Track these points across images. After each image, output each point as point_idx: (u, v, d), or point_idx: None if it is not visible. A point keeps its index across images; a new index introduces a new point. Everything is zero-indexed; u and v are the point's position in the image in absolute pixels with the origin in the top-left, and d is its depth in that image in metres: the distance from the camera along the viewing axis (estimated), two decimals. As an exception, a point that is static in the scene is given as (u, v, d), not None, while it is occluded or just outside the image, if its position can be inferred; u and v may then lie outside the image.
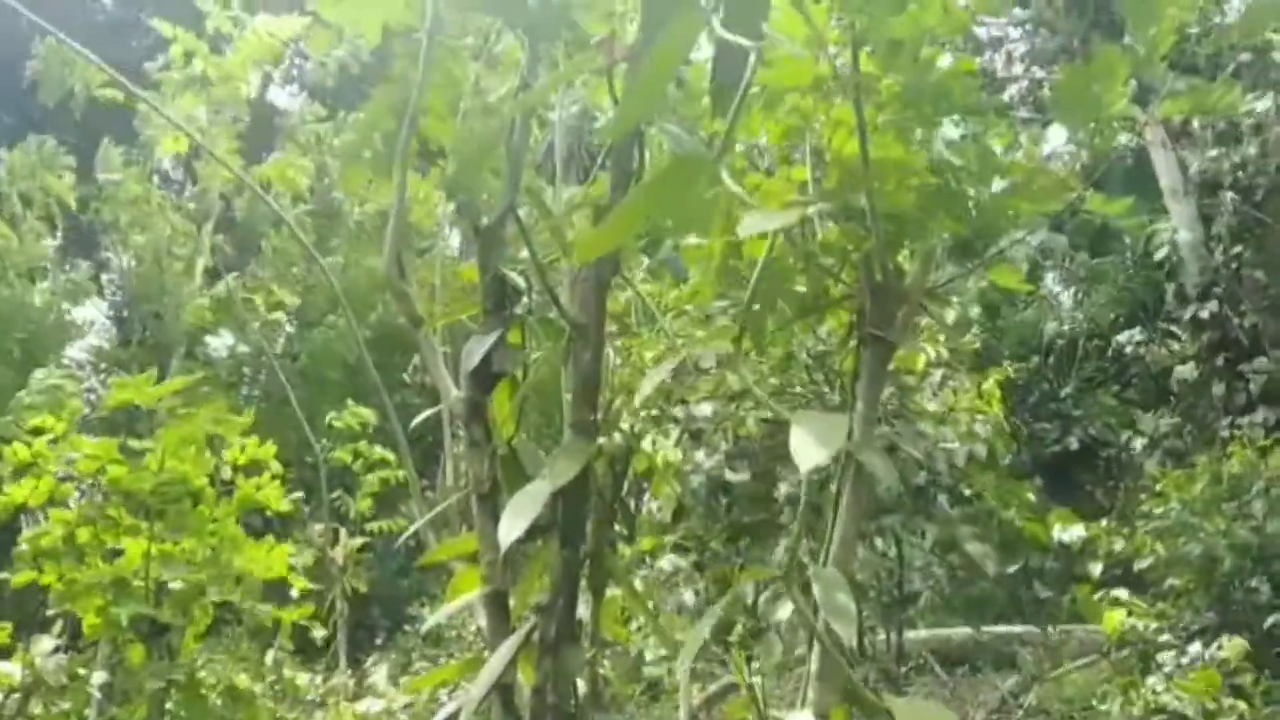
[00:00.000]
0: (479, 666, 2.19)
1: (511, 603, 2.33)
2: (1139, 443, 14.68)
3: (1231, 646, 6.86)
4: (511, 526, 2.05)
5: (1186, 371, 14.10)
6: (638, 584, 7.40)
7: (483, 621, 2.37)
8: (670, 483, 6.66)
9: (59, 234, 15.97)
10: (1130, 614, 7.15)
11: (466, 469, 2.50)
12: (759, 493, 6.38)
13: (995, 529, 5.75)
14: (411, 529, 3.29)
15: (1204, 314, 13.52)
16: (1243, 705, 6.47)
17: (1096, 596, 8.06)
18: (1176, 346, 14.79)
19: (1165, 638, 7.69)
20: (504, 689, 2.19)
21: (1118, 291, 16.05)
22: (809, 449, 1.96)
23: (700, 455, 6.73)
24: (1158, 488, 9.72)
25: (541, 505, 2.07)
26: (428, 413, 3.19)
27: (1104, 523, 7.48)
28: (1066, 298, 16.43)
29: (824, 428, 2.03)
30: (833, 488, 6.02)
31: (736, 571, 6.25)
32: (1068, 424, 15.68)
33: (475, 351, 2.42)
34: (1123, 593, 7.24)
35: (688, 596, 6.46)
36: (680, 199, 1.85)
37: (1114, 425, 15.35)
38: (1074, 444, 15.52)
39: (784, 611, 5.93)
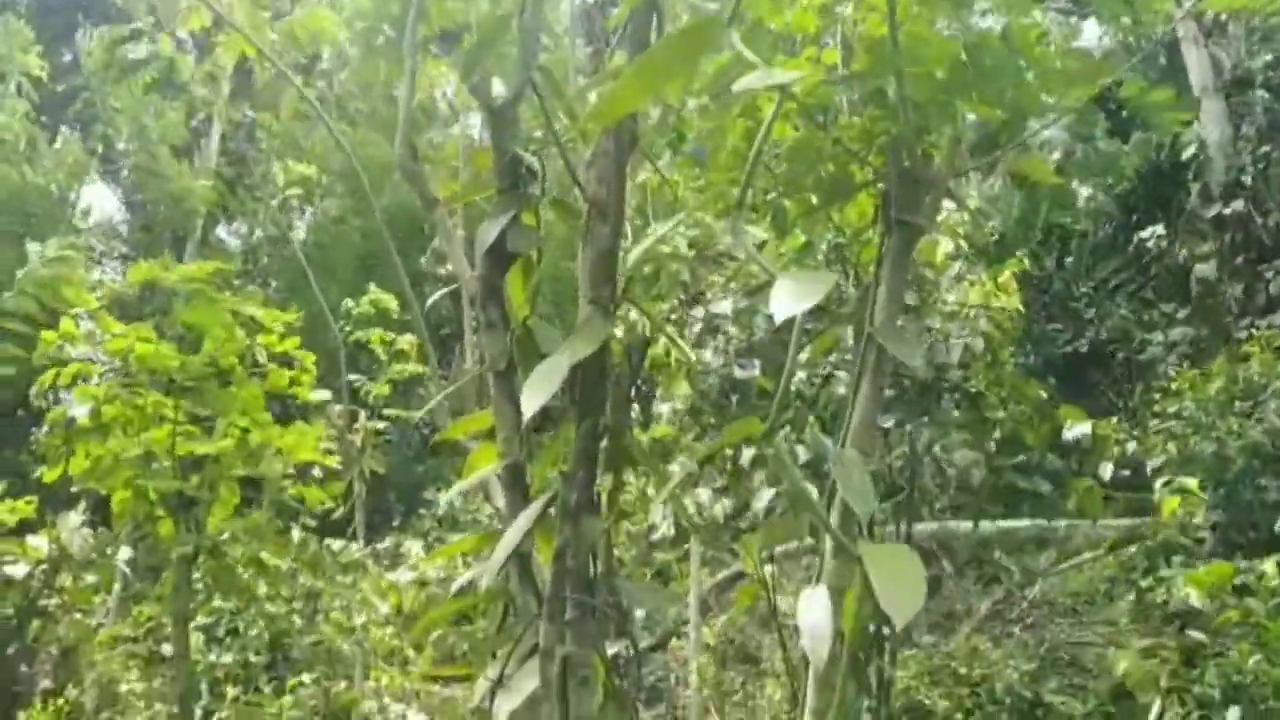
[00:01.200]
0: (498, 539, 2.25)
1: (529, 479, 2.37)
2: (1155, 344, 14.63)
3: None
4: (533, 397, 2.08)
5: (1206, 271, 14.00)
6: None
7: (499, 496, 2.42)
8: (682, 382, 6.72)
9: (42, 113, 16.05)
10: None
11: (483, 350, 2.52)
12: (769, 388, 6.43)
13: (998, 426, 5.77)
14: (428, 406, 3.34)
15: (1228, 213, 13.40)
16: (1252, 601, 6.57)
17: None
18: (1201, 249, 14.65)
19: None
20: (522, 558, 2.26)
21: (1139, 187, 15.83)
22: (787, 300, 1.97)
23: (709, 355, 6.78)
24: (1173, 387, 9.75)
25: (561, 378, 2.10)
26: (444, 290, 3.22)
27: (1114, 420, 7.48)
28: (1085, 191, 16.19)
29: (805, 282, 2.03)
30: (836, 387, 6.05)
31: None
32: (1082, 324, 15.60)
33: (490, 231, 2.43)
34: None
35: (704, 495, 6.57)
36: (692, 62, 1.85)
37: (1130, 326, 15.28)
38: (1087, 345, 15.46)
39: (765, 495, 6.03)
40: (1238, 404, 9.03)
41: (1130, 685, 7.26)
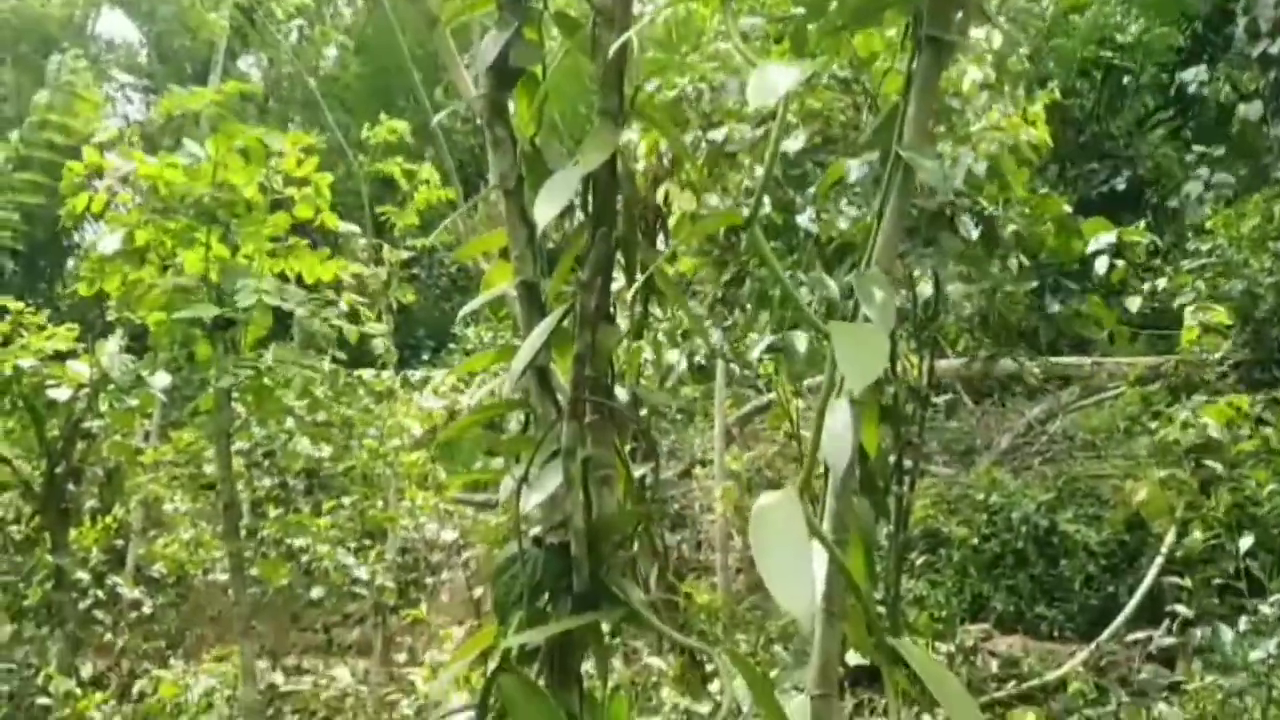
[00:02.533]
0: (515, 353, 2.30)
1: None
2: (1191, 184, 14.40)
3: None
4: (545, 208, 2.11)
5: (1249, 110, 13.65)
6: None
7: (517, 310, 2.47)
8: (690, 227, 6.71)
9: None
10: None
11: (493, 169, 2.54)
12: (780, 225, 6.41)
13: (1017, 247, 5.72)
14: (445, 223, 3.38)
15: (1274, 51, 12.95)
16: (1269, 432, 6.65)
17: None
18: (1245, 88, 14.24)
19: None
20: (540, 370, 2.31)
21: (1187, 25, 15.32)
22: (766, 86, 1.96)
23: (714, 200, 6.75)
24: (1207, 225, 9.67)
25: (574, 188, 2.12)
26: (453, 106, 3.18)
27: (1140, 225, 7.40)
28: (1134, 27, 15.66)
29: (782, 70, 2.01)
30: (841, 221, 6.00)
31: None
32: (1118, 164, 15.34)
33: (492, 47, 2.41)
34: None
35: (715, 336, 6.63)
36: None
37: (1168, 165, 15.01)
38: (1122, 184, 15.23)
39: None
40: (1271, 243, 8.95)
41: (1146, 514, 7.43)
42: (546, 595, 2.29)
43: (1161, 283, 8.30)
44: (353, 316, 5.65)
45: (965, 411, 10.70)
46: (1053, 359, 10.15)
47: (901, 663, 1.84)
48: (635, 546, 2.53)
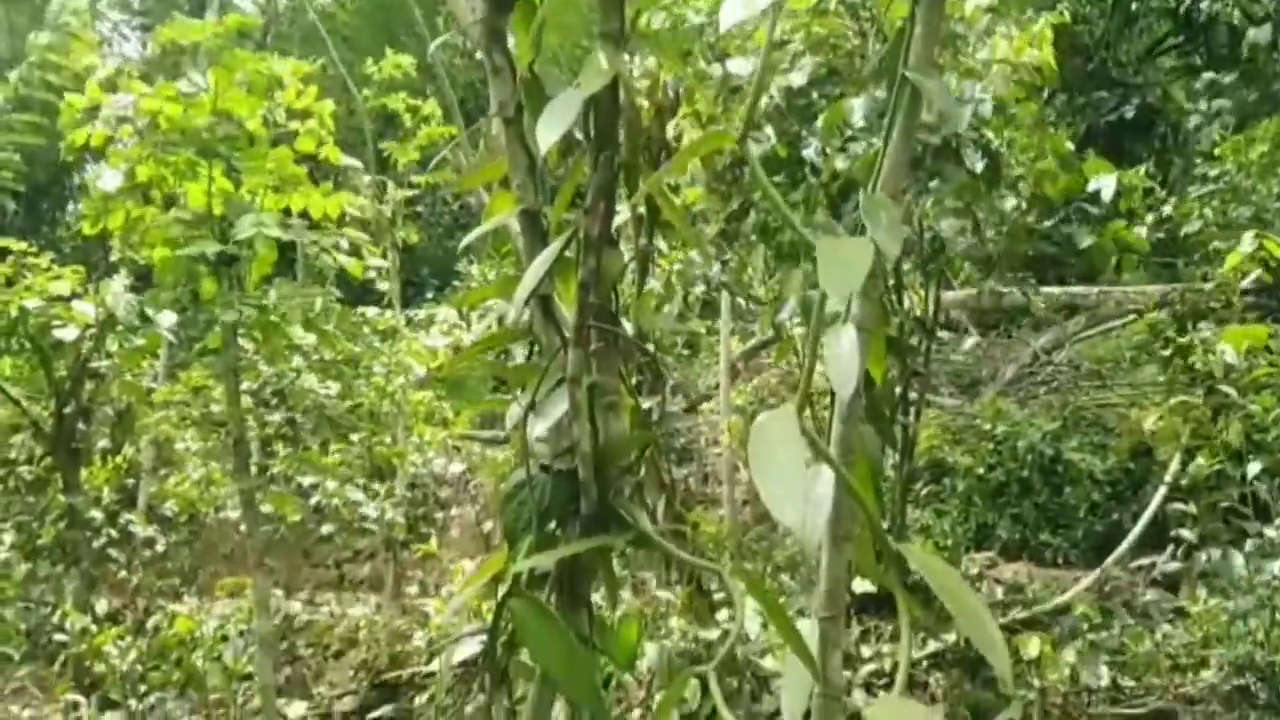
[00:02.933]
0: (518, 282, 2.29)
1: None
2: (1200, 111, 14.24)
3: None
4: (546, 134, 2.08)
5: (1259, 35, 13.45)
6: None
7: (519, 240, 2.46)
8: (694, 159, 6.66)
9: None
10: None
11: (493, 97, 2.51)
12: (781, 158, 6.36)
13: (1020, 182, 5.70)
14: (444, 151, 3.35)
15: (1286, -28, 12.75)
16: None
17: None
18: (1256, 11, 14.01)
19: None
20: (543, 299, 2.31)
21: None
22: (740, 4, 1.91)
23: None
24: (1215, 152, 9.58)
25: (575, 112, 2.09)
26: (444, 36, 3.13)
27: (1141, 170, 7.34)
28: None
29: None
30: (853, 147, 5.96)
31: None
32: (1127, 91, 15.16)
33: (488, -30, 2.37)
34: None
35: (715, 270, 6.61)
36: None
37: (1176, 91, 14.84)
38: (1131, 112, 15.06)
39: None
40: (1280, 169, 8.88)
41: (1155, 442, 7.45)
42: (555, 521, 2.31)
43: (1167, 209, 8.22)
44: (356, 253, 5.63)
45: (971, 343, 10.69)
46: (1059, 289, 10.12)
47: (910, 581, 1.85)
48: (642, 473, 2.55)
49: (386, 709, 6.64)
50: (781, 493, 1.44)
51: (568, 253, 2.27)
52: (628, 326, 2.63)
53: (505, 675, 2.34)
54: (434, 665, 5.27)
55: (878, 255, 2.57)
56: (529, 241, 2.37)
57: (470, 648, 2.33)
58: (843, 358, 2.08)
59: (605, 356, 2.30)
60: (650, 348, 7.41)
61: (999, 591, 6.48)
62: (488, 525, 8.64)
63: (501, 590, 2.27)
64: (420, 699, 5.78)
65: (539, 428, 2.22)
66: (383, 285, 8.21)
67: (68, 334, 6.68)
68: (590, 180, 2.19)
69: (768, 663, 5.62)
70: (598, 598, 2.47)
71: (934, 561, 1.58)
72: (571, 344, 2.21)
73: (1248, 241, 6.57)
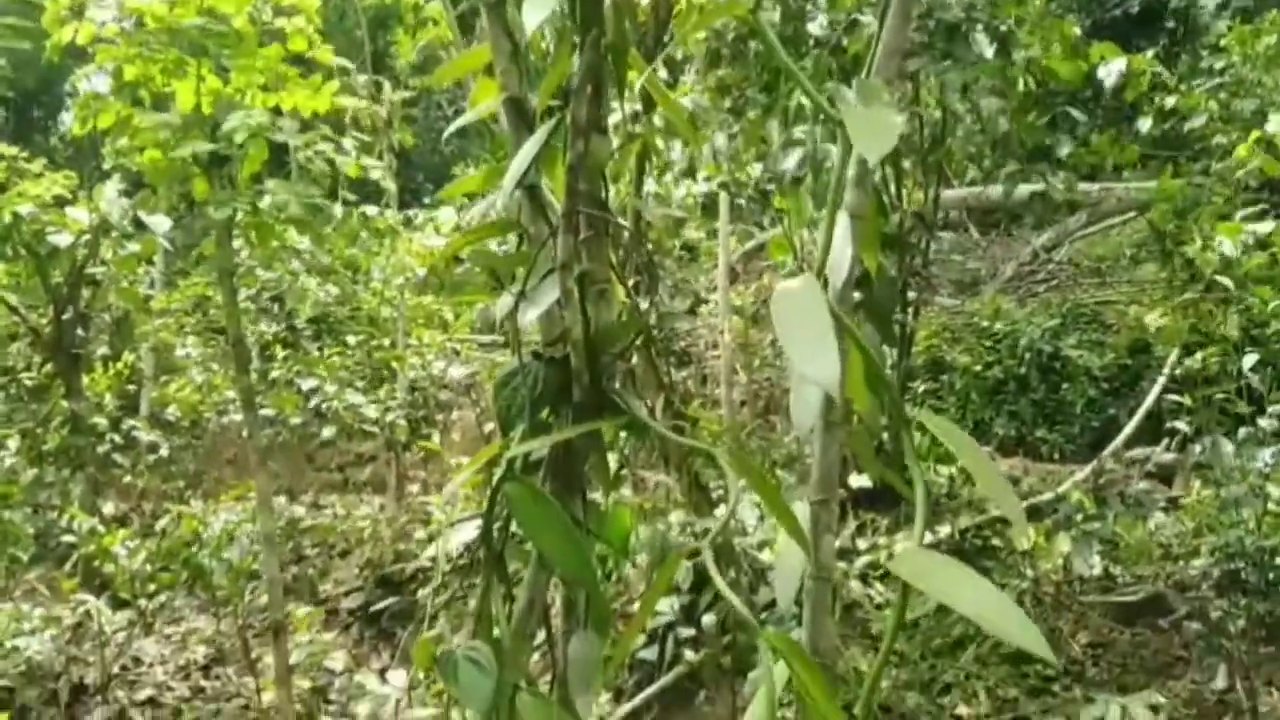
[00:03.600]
0: (505, 172, 2.27)
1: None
2: (1207, 4, 13.96)
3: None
4: (531, 13, 2.05)
5: (1272, -78, 13.12)
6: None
7: (505, 125, 2.43)
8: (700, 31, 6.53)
9: None
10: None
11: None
12: (789, 35, 6.25)
13: (1029, 68, 5.61)
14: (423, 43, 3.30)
15: None
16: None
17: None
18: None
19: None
20: (530, 189, 2.29)
21: None
22: None
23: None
24: (1221, 43, 9.41)
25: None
26: None
27: (1149, 55, 7.23)
28: None
29: None
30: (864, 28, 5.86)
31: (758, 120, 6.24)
32: (1134, -17, 14.86)
33: None
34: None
35: (719, 140, 6.51)
36: None
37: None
38: (1136, 7, 14.78)
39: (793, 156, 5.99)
40: (1288, 59, 8.72)
41: (1152, 338, 7.46)
42: (548, 408, 2.32)
43: (1171, 101, 8.09)
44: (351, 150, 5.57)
45: (971, 242, 10.65)
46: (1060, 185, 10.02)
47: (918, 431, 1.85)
48: (634, 360, 2.55)
49: (391, 601, 6.78)
50: (808, 349, 1.46)
51: (556, 141, 2.25)
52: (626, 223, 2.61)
53: (501, 558, 2.37)
54: (434, 551, 5.39)
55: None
56: (515, 130, 2.34)
57: (467, 533, 2.36)
58: (836, 245, 2.09)
59: (595, 244, 2.29)
60: (648, 248, 7.39)
61: (994, 485, 6.54)
62: (489, 427, 8.70)
63: (497, 476, 2.28)
64: (424, 592, 5.90)
65: (530, 315, 2.23)
66: (380, 182, 8.14)
67: (62, 240, 6.66)
68: (578, 63, 2.15)
69: (765, 556, 5.71)
70: (597, 497, 2.50)
71: (944, 422, 1.60)
72: (561, 230, 2.20)
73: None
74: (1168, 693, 5.02)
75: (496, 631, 2.19)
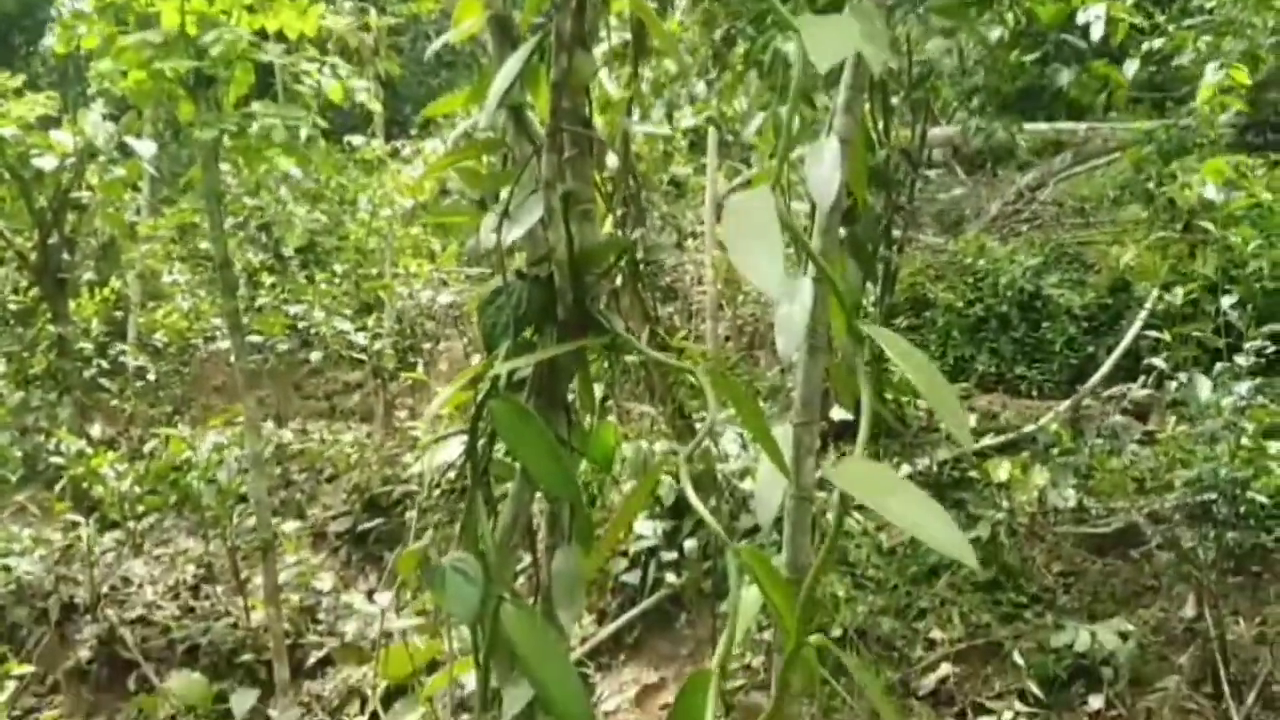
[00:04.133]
0: (486, 89, 2.29)
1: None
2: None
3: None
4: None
5: None
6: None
7: (489, 43, 2.44)
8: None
9: None
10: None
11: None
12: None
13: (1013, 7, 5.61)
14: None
15: None
16: (1263, 192, 6.63)
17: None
18: None
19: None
20: (515, 109, 2.31)
21: None
22: None
23: None
24: (1211, -17, 9.36)
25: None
26: None
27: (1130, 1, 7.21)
28: None
29: None
30: None
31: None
32: (1128, -80, 14.73)
33: None
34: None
35: (699, 88, 6.52)
36: None
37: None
38: (1130, -56, 14.68)
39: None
40: (1276, 1, 8.70)
41: (1133, 277, 7.53)
42: (532, 327, 2.36)
43: (1159, 43, 8.08)
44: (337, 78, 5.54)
45: (956, 181, 10.66)
46: (1046, 125, 10.04)
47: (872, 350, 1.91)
48: (619, 281, 2.59)
49: (378, 520, 6.88)
50: (754, 258, 1.46)
51: (540, 60, 2.27)
52: (613, 158, 2.64)
53: (486, 474, 2.42)
54: (419, 468, 5.46)
55: (863, 66, 2.58)
56: (498, 48, 2.35)
57: (453, 450, 2.40)
58: (823, 169, 2.11)
59: (579, 163, 2.32)
60: (636, 179, 7.38)
61: (973, 420, 6.64)
62: (476, 358, 8.75)
63: (481, 393, 2.33)
64: (410, 514, 5.99)
65: (514, 234, 2.26)
66: (367, 105, 8.08)
67: (47, 163, 6.63)
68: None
69: (746, 485, 5.81)
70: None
71: (894, 336, 1.63)
72: (545, 149, 2.23)
73: (1211, 72, 6.51)
74: (1137, 620, 5.15)
75: (482, 546, 2.25)
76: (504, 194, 2.40)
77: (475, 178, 2.66)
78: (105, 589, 6.53)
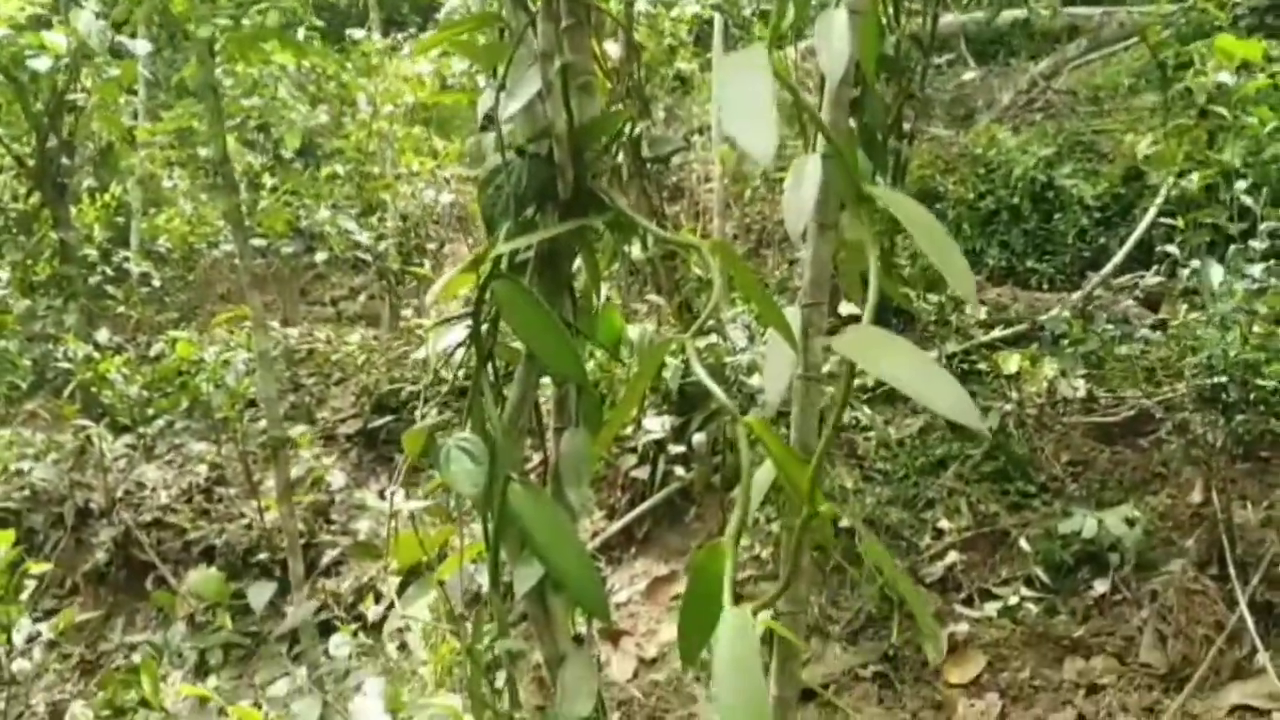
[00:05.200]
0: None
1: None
2: None
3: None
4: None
5: None
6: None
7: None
8: None
9: None
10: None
11: None
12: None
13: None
14: None
15: None
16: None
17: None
18: None
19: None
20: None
21: None
22: None
23: None
24: None
25: None
26: None
27: None
28: None
29: None
30: None
31: None
32: None
33: None
34: None
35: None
36: None
37: None
38: None
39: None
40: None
41: (1146, 165, 7.39)
42: (533, 206, 2.31)
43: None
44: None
45: (968, 71, 10.44)
46: (1060, 8, 9.80)
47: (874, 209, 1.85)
48: (619, 156, 2.52)
49: (387, 419, 6.90)
50: (745, 119, 1.38)
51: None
52: (613, 48, 2.56)
53: (491, 356, 2.39)
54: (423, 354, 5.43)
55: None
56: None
57: (457, 334, 2.38)
58: (834, 38, 2.04)
59: (577, 34, 2.25)
60: (640, 69, 7.23)
61: (982, 312, 6.59)
62: (480, 259, 8.67)
63: (483, 275, 2.28)
64: (420, 412, 5.98)
65: (511, 108, 2.19)
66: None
67: (42, 64, 6.52)
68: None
69: (755, 381, 5.79)
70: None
71: (902, 198, 1.58)
72: (540, 18, 2.16)
73: None
74: (1145, 507, 5.16)
75: (489, 428, 2.23)
76: (500, 68, 2.33)
77: (471, 50, 2.58)
78: (119, 493, 6.59)
